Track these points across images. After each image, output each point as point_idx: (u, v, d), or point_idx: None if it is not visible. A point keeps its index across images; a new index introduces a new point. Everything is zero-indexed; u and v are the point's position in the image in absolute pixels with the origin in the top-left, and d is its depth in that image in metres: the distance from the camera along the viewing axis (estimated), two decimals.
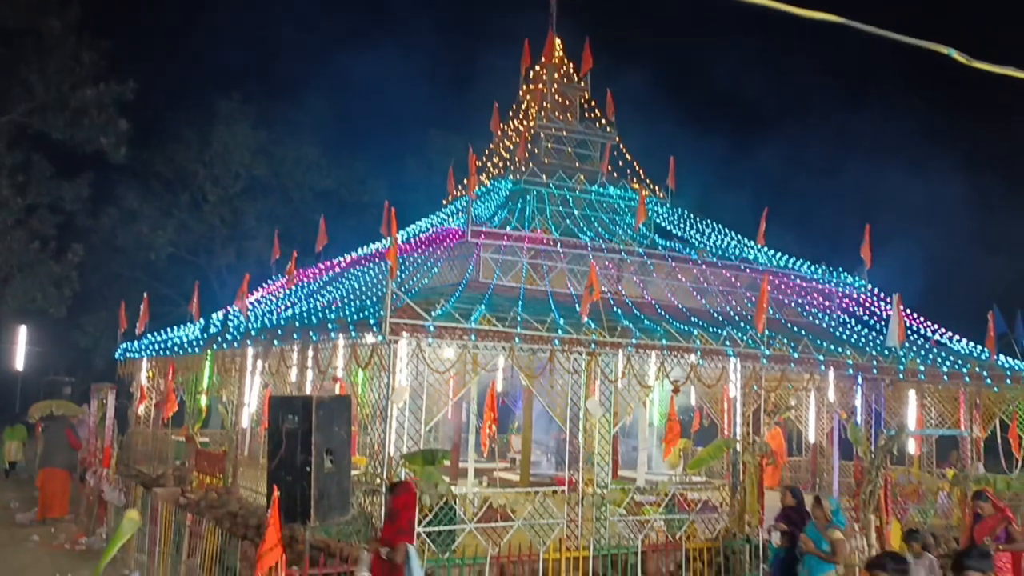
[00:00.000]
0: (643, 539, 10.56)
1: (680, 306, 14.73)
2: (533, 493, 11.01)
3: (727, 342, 12.12)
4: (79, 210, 32.56)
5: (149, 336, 19.29)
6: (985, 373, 14.60)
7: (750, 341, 12.34)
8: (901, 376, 14.00)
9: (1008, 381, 14.92)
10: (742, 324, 13.48)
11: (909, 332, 15.58)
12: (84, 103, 29.99)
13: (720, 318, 14.17)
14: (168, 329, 19.42)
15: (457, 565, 9.04)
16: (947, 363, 14.52)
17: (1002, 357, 15.52)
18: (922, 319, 16.59)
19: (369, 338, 10.51)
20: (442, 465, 10.83)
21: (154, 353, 18.75)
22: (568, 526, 10.69)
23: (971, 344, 16.18)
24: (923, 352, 15.16)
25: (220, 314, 18.17)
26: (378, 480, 9.84)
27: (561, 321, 11.03)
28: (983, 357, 15.38)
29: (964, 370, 14.45)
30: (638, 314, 12.86)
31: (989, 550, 9.05)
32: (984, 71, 4.34)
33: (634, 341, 11.32)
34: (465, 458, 14.43)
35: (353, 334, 10.78)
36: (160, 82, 33.79)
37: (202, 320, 17.84)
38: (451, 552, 9.69)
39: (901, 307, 13.47)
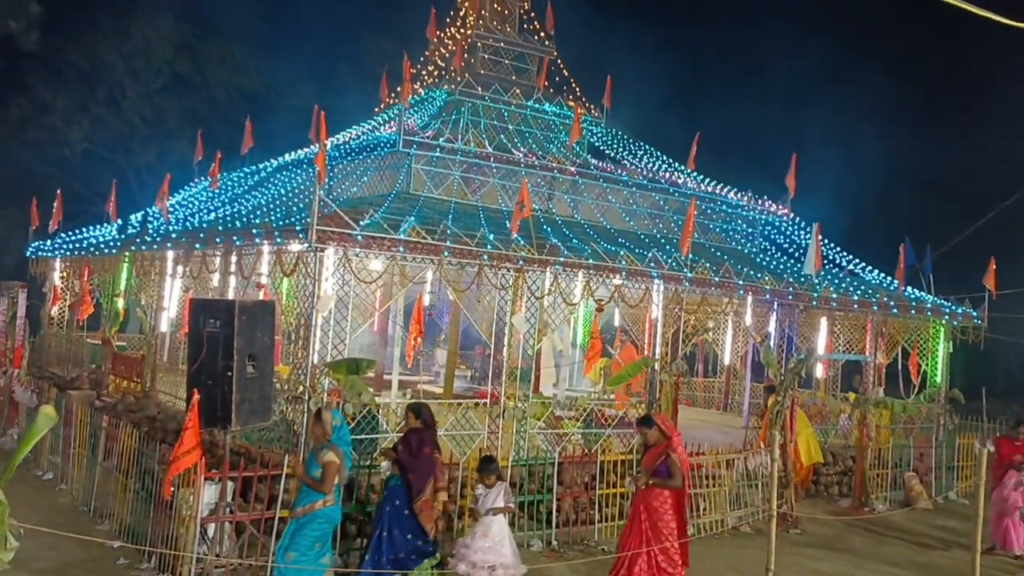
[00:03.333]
0: (560, 451, 10.90)
1: (608, 226, 14.89)
2: (456, 405, 11.19)
3: (652, 264, 12.34)
4: None
5: (63, 235, 18.59)
6: (892, 303, 15.28)
7: (674, 264, 12.59)
8: (815, 303, 14.54)
9: (912, 311, 15.66)
10: (667, 247, 13.72)
11: (826, 261, 16.15)
12: None
13: (646, 240, 14.38)
14: (83, 228, 18.74)
15: (378, 472, 9.18)
16: (858, 292, 15.12)
17: (909, 288, 16.25)
18: (839, 249, 17.19)
19: (295, 245, 10.34)
20: (366, 375, 10.87)
21: (68, 252, 18.10)
22: (488, 437, 10.93)
23: (882, 275, 16.87)
24: (837, 281, 15.74)
25: (139, 215, 17.58)
26: (301, 388, 9.84)
27: (491, 236, 11.02)
28: (892, 288, 16.08)
29: (874, 299, 15.09)
30: (567, 233, 12.95)
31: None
32: None
33: (562, 259, 11.42)
34: (390, 370, 14.51)
35: (278, 240, 10.58)
36: None
37: (119, 220, 17.25)
38: (372, 459, 9.82)
39: (820, 236, 13.90)
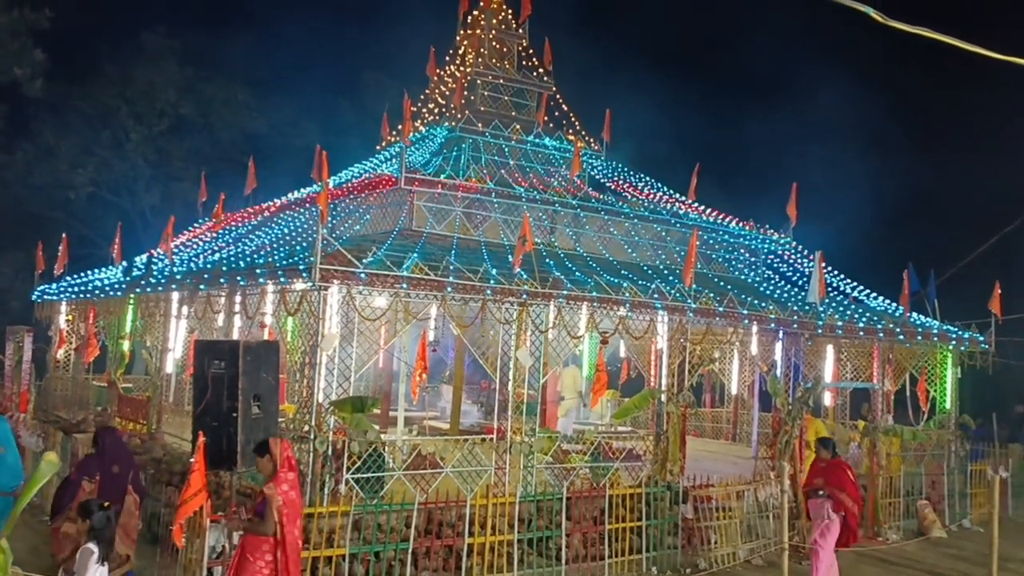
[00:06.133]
0: (568, 486, 10.81)
1: (611, 259, 14.91)
2: (462, 441, 11.13)
3: (655, 295, 12.34)
4: None
5: (68, 278, 18.66)
6: (898, 329, 15.23)
7: (677, 295, 12.59)
8: (820, 331, 14.50)
9: (919, 337, 15.60)
10: (670, 278, 13.73)
11: (829, 288, 16.13)
12: None
13: (649, 271, 14.40)
14: (88, 271, 18.82)
15: (385, 511, 9.12)
16: (863, 319, 15.08)
17: (915, 314, 16.20)
18: (842, 276, 17.18)
19: (298, 284, 10.37)
20: (371, 412, 10.84)
21: (74, 296, 18.16)
22: (496, 473, 10.86)
23: (887, 301, 16.83)
24: (841, 308, 15.71)
25: (144, 257, 17.67)
26: (306, 427, 9.81)
27: (494, 271, 11.05)
28: (897, 314, 16.04)
29: (879, 326, 15.04)
30: (570, 266, 12.98)
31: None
32: (900, 30, 4.40)
33: (565, 292, 11.43)
34: (395, 406, 14.46)
35: (282, 280, 10.61)
36: (79, 12, 32.09)
37: (124, 263, 17.33)
38: (379, 498, 9.76)
39: (823, 264, 13.91)
